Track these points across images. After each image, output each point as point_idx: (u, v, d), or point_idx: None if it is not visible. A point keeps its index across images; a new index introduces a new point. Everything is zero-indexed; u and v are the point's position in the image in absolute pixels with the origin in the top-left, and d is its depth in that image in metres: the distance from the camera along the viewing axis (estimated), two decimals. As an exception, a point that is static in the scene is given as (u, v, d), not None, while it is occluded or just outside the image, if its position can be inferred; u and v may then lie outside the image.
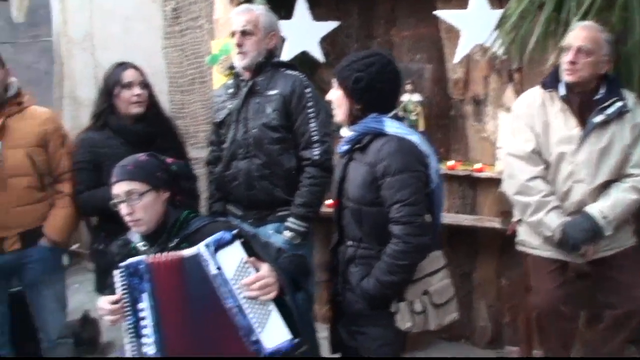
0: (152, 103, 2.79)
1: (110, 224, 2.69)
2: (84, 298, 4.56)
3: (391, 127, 2.09)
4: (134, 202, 1.99)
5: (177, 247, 2.02)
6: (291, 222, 2.64)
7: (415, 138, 2.11)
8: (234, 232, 1.90)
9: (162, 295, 1.88)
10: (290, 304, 1.86)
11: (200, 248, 1.87)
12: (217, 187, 2.86)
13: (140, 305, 1.88)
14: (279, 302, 1.85)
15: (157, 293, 1.88)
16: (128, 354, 1.90)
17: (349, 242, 2.18)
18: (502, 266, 3.38)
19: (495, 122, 3.31)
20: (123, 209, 2.01)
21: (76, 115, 4.94)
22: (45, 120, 2.72)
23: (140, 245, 2.10)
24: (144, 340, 1.86)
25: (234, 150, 2.72)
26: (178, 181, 2.15)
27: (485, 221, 3.26)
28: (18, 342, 2.97)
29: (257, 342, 1.80)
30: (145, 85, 2.74)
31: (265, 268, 1.87)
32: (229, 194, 2.79)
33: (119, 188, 2.01)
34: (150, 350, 1.85)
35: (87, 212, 2.79)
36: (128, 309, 1.90)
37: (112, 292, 2.01)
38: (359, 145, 2.13)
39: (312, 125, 2.62)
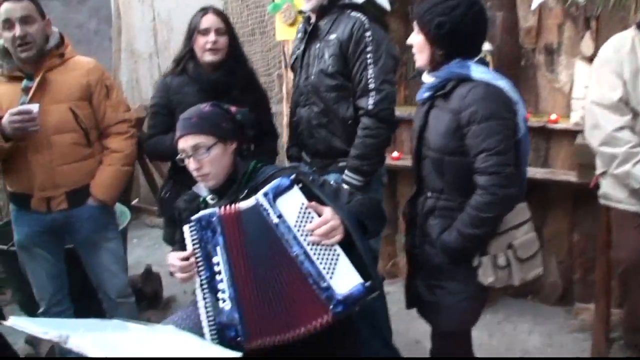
0: (232, 52, 2.67)
1: (179, 173, 2.67)
2: (143, 253, 4.66)
3: (477, 72, 1.97)
4: (201, 156, 1.93)
5: (247, 199, 1.97)
6: (347, 175, 2.56)
7: (502, 84, 1.99)
8: (292, 177, 1.81)
9: (233, 248, 1.85)
10: (360, 246, 1.75)
11: (258, 198, 1.81)
12: (291, 132, 2.83)
13: (215, 259, 1.86)
14: (346, 245, 1.76)
15: (229, 246, 1.85)
16: (202, 311, 1.88)
17: (429, 194, 2.10)
18: (575, 221, 3.27)
19: (569, 72, 3.16)
20: (190, 164, 1.96)
21: (134, 69, 4.94)
22: (88, 70, 2.56)
23: (209, 198, 2.06)
24: (219, 295, 1.84)
25: (297, 97, 2.66)
26: (244, 130, 2.08)
27: (559, 174, 3.14)
28: (79, 299, 2.96)
29: (328, 288, 1.72)
30: (224, 32, 2.63)
31: (327, 211, 1.77)
32: (299, 141, 2.74)
33: (185, 142, 1.95)
34: (226, 306, 1.83)
35: (153, 157, 2.79)
36: (201, 264, 1.88)
37: (182, 249, 1.99)
38: (442, 92, 2.02)
39: (370, 72, 2.47)
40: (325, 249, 1.75)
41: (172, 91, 2.67)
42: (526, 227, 2.06)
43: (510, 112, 1.97)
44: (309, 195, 1.81)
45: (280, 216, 1.78)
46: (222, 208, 1.87)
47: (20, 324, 1.58)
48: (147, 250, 4.76)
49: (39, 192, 2.51)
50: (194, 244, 1.89)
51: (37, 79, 2.43)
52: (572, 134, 3.01)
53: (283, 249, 1.79)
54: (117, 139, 2.63)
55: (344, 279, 1.71)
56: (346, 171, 2.56)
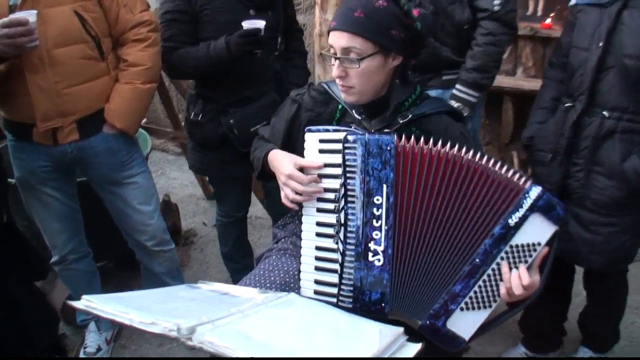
0: None
1: (209, 90, 2.19)
2: (165, 183, 4.09)
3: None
4: (350, 64, 1.40)
5: (406, 129, 1.47)
6: (459, 90, 2.11)
7: None
8: (564, 221, 1.33)
9: (405, 194, 1.34)
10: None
11: (533, 189, 1.28)
12: None
13: (377, 199, 1.34)
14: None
15: (401, 188, 1.34)
16: (321, 260, 1.39)
17: (607, 113, 1.72)
18: None
19: None
20: (335, 70, 1.43)
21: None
22: None
23: (354, 112, 1.54)
24: (371, 246, 1.34)
25: None
26: (418, 44, 1.49)
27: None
28: (100, 242, 2.44)
29: (447, 312, 1.31)
30: None
31: (536, 278, 1.28)
32: None
33: (336, 40, 1.41)
34: (377, 261, 1.34)
35: (178, 74, 2.22)
36: (354, 199, 1.35)
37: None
38: None
39: None
40: (492, 291, 1.31)
41: None
42: None
43: None
44: (552, 238, 1.29)
45: (517, 227, 1.28)
46: (405, 141, 1.33)
47: (94, 304, 1.06)
48: (169, 180, 4.20)
49: (42, 123, 1.90)
50: (336, 167, 1.38)
51: None
52: None
53: (474, 243, 1.30)
54: (135, 49, 2.01)
55: (463, 323, 1.33)
56: (459, 86, 2.10)
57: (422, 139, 1.33)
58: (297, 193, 1.42)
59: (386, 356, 1.05)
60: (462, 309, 1.31)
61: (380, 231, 1.33)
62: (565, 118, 1.80)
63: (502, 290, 1.27)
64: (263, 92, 2.18)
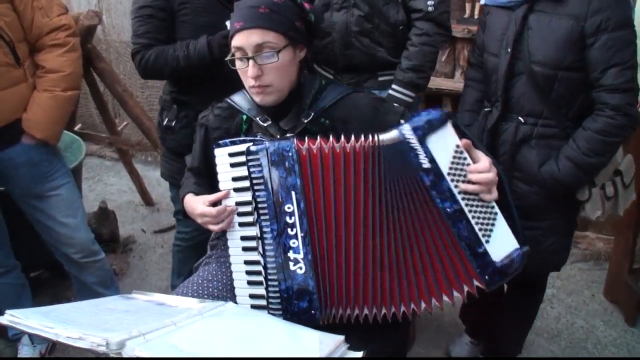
0: None
1: (183, 95, 2.13)
2: (84, 186, 3.93)
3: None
4: (267, 60, 1.40)
5: (316, 125, 1.50)
6: (394, 89, 2.10)
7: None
8: (446, 111, 1.34)
9: (317, 196, 1.34)
10: (512, 204, 1.38)
11: (404, 130, 1.31)
12: None
13: (287, 207, 1.34)
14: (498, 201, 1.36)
15: (310, 192, 1.35)
16: (243, 273, 1.42)
17: (522, 119, 1.72)
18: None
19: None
20: (250, 70, 1.41)
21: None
22: None
23: (259, 119, 1.53)
24: (291, 255, 1.34)
25: None
26: (314, 35, 1.54)
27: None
28: (31, 250, 2.33)
29: (485, 254, 1.31)
30: None
31: (484, 159, 1.34)
32: (318, 53, 2.18)
33: (246, 38, 1.39)
34: (299, 269, 1.34)
35: (152, 74, 2.09)
36: (265, 211, 1.37)
37: (208, 186, 1.55)
38: None
39: None
40: (483, 206, 1.33)
41: None
42: (621, 148, 1.75)
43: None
44: (461, 134, 1.34)
45: (432, 160, 1.30)
46: (301, 140, 1.35)
47: (18, 319, 1.02)
48: (87, 183, 4.05)
49: None
50: (256, 184, 1.38)
51: None
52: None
53: (429, 203, 1.32)
54: (53, 54, 1.92)
55: (501, 243, 1.33)
56: (395, 86, 2.09)
57: (319, 138, 1.34)
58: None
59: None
60: (487, 242, 1.31)
61: (297, 239, 1.34)
62: (485, 123, 1.81)
63: (478, 188, 1.31)
64: None
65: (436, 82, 3.27)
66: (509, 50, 1.68)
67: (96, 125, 4.27)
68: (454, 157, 1.31)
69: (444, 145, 1.31)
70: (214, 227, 1.46)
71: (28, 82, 1.91)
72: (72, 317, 1.11)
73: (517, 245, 1.33)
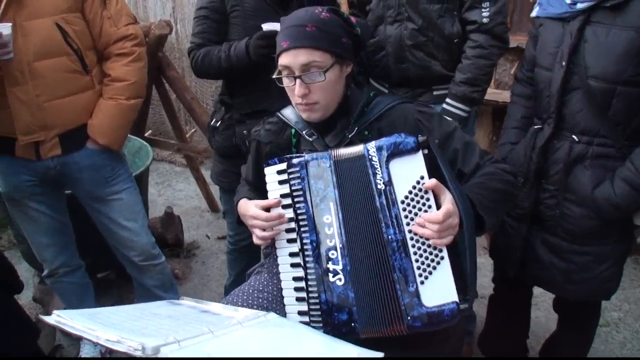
0: None
1: (229, 98, 2.16)
2: (154, 191, 4.07)
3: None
4: (313, 79, 1.39)
5: (357, 136, 1.47)
6: (448, 103, 2.05)
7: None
8: (421, 139, 1.28)
9: (348, 206, 1.33)
10: (469, 253, 1.27)
11: (369, 148, 1.30)
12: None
13: (326, 218, 1.34)
14: (451, 247, 1.27)
15: (344, 202, 1.33)
16: (292, 285, 1.40)
17: (576, 137, 1.61)
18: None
19: None
20: (297, 89, 1.40)
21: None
22: None
23: (305, 133, 1.52)
24: (330, 266, 1.32)
25: (381, 11, 2.06)
26: (361, 49, 1.52)
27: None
28: (99, 252, 2.39)
29: (415, 294, 1.24)
30: None
31: (448, 202, 1.25)
32: (373, 67, 2.14)
33: (293, 58, 1.38)
34: (339, 280, 1.32)
35: (201, 73, 2.12)
36: (304, 222, 1.37)
37: (259, 193, 1.55)
38: (612, 3, 1.50)
39: None
40: (430, 246, 1.26)
41: None
42: None
43: None
44: (433, 168, 1.28)
45: (388, 183, 1.27)
46: (336, 151, 1.36)
47: (64, 320, 1.04)
48: (157, 188, 4.18)
49: (23, 136, 1.86)
50: (289, 194, 1.39)
51: None
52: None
53: (376, 226, 1.29)
54: (119, 63, 1.96)
55: (438, 290, 1.24)
56: (449, 100, 2.03)
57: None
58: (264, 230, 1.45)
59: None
60: (422, 283, 1.25)
61: (336, 250, 1.33)
62: (534, 141, 1.70)
63: (429, 232, 1.23)
64: (282, 106, 2.15)
65: (505, 96, 3.15)
66: (564, 64, 1.58)
67: (168, 132, 4.40)
68: (414, 188, 1.26)
69: (407, 172, 1.27)
70: (260, 233, 1.45)
71: (95, 89, 1.97)
72: (115, 320, 1.13)
73: (454, 299, 1.22)
